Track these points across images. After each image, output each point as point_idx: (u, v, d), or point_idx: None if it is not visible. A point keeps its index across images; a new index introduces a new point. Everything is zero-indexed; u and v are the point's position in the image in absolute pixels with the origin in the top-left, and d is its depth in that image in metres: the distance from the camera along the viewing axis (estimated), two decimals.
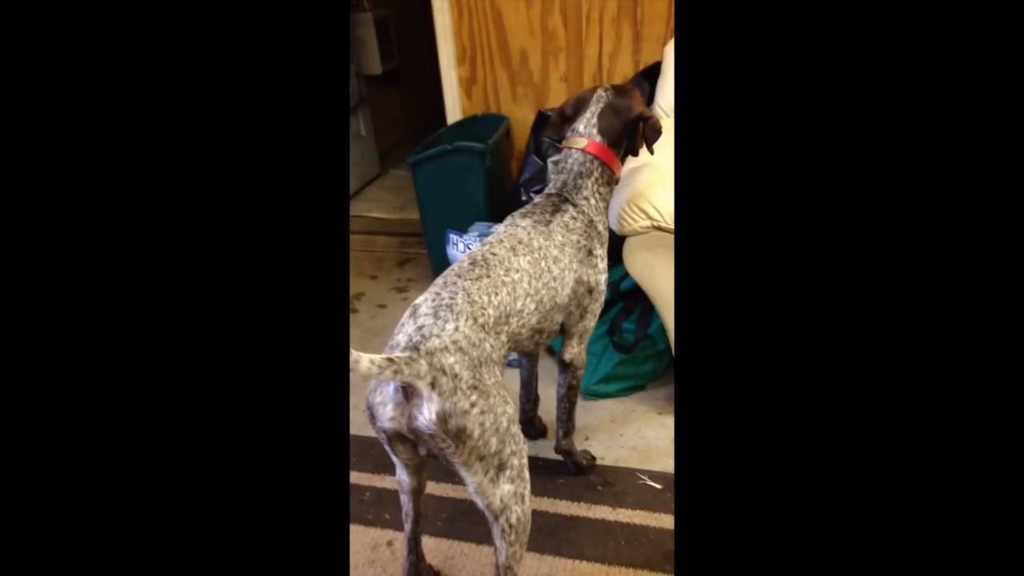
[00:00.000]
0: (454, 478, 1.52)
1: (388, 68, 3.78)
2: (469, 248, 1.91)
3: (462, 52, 2.47)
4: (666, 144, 1.67)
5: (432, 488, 1.49)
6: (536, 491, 1.40)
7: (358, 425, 1.75)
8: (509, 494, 1.03)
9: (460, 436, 0.96)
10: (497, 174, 2.27)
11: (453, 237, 1.95)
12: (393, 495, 1.51)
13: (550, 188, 1.36)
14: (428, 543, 1.36)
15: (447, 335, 0.97)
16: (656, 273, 1.52)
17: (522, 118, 2.52)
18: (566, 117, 1.41)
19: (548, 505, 1.45)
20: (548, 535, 1.38)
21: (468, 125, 2.48)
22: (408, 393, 0.96)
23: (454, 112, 2.58)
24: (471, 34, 2.43)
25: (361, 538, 1.42)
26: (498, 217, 2.21)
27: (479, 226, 2.02)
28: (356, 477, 1.58)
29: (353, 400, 1.75)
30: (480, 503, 1.04)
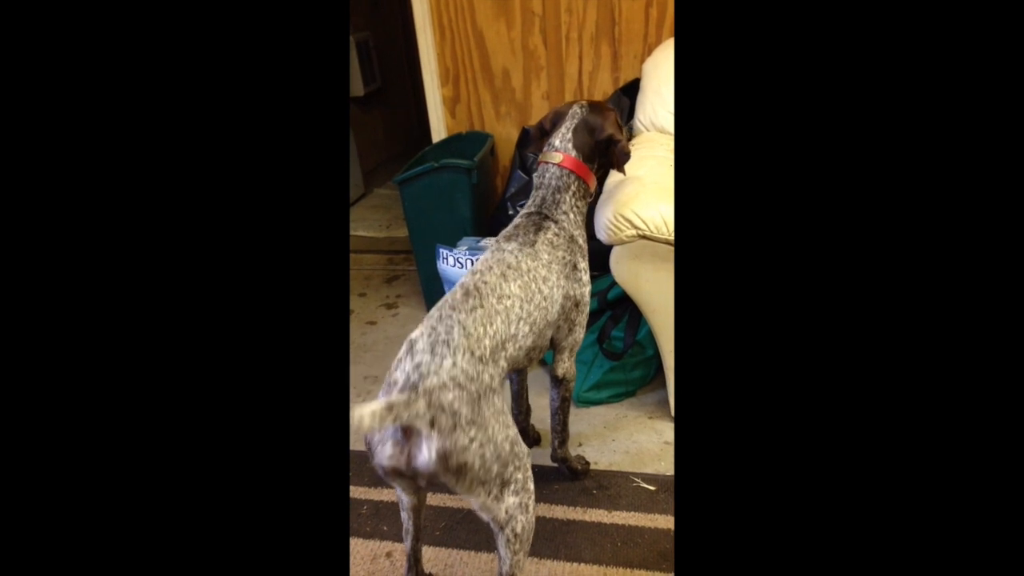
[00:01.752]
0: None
1: (370, 90, 3.84)
2: (459, 262, 1.95)
3: (445, 72, 2.52)
4: (647, 157, 1.74)
5: (429, 498, 1.50)
6: None
7: (353, 439, 1.76)
8: (514, 506, 1.03)
9: (461, 471, 0.96)
10: (483, 190, 2.31)
11: (443, 252, 1.99)
12: (390, 507, 1.52)
13: (529, 206, 1.37)
14: (427, 552, 1.37)
15: (445, 372, 0.96)
16: (643, 280, 1.56)
17: (506, 135, 2.57)
18: (545, 131, 1.43)
19: (545, 510, 1.47)
20: (546, 540, 1.40)
21: (453, 143, 2.52)
22: (407, 432, 0.96)
23: (439, 131, 2.62)
24: (454, 55, 2.49)
25: (360, 551, 1.43)
26: (485, 231, 2.26)
27: (468, 240, 2.05)
28: (353, 491, 1.59)
29: None
30: (485, 517, 1.04)
